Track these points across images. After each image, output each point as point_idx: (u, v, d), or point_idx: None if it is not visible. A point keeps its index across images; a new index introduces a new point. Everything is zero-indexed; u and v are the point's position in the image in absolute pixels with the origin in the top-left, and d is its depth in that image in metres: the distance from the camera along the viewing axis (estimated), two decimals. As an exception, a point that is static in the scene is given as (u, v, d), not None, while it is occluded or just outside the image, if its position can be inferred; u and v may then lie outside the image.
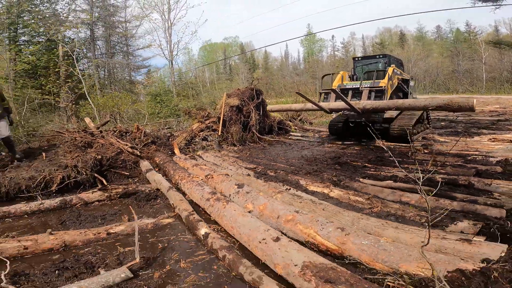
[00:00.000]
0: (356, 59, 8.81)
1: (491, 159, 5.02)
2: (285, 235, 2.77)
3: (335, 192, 3.75)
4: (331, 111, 7.14)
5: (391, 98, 7.40)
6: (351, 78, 8.51)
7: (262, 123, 9.42)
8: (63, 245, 3.13)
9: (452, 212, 2.98)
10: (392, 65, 7.71)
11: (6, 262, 2.60)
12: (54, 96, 12.37)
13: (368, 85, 6.91)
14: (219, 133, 8.15)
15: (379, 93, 6.68)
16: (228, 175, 4.76)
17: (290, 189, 3.94)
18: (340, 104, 6.34)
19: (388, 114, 7.68)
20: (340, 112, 8.41)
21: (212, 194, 3.65)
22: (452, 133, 8.43)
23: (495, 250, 2.16)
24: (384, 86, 6.63)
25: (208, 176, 4.56)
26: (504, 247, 2.21)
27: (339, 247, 2.52)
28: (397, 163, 2.63)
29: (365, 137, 8.20)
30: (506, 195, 3.37)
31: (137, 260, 2.63)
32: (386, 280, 2.05)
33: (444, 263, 2.03)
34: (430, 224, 2.03)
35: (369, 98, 6.60)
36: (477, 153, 5.59)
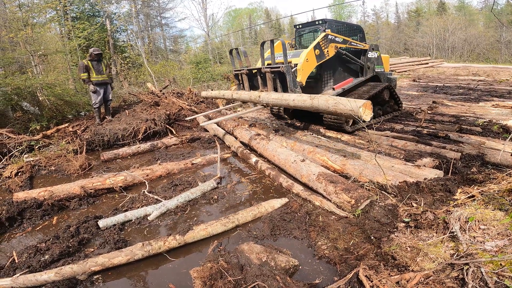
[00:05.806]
0: (297, 27, 7.04)
1: (479, 120, 6.13)
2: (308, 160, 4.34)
3: (345, 137, 5.26)
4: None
5: (334, 73, 6.19)
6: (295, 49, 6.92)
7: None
8: (167, 172, 4.61)
9: (425, 153, 4.35)
10: (327, 30, 5.84)
11: (145, 182, 4.11)
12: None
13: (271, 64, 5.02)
14: (254, 96, 9.69)
15: (281, 76, 4.87)
16: (266, 124, 6.36)
17: (312, 133, 5.48)
18: (246, 95, 4.89)
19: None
20: None
21: (257, 135, 5.27)
22: (464, 99, 9.20)
23: (432, 174, 3.49)
24: (281, 65, 4.73)
25: (252, 125, 6.18)
26: (440, 172, 3.55)
27: (341, 168, 4.03)
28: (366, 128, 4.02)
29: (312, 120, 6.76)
30: (470, 145, 4.63)
31: (219, 175, 4.27)
32: (364, 185, 3.51)
33: (400, 177, 3.44)
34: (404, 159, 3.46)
35: (274, 83, 5.02)
36: (472, 115, 6.68)
